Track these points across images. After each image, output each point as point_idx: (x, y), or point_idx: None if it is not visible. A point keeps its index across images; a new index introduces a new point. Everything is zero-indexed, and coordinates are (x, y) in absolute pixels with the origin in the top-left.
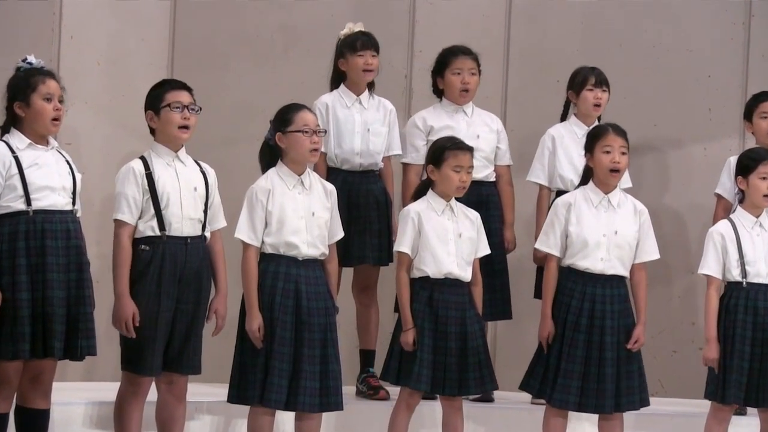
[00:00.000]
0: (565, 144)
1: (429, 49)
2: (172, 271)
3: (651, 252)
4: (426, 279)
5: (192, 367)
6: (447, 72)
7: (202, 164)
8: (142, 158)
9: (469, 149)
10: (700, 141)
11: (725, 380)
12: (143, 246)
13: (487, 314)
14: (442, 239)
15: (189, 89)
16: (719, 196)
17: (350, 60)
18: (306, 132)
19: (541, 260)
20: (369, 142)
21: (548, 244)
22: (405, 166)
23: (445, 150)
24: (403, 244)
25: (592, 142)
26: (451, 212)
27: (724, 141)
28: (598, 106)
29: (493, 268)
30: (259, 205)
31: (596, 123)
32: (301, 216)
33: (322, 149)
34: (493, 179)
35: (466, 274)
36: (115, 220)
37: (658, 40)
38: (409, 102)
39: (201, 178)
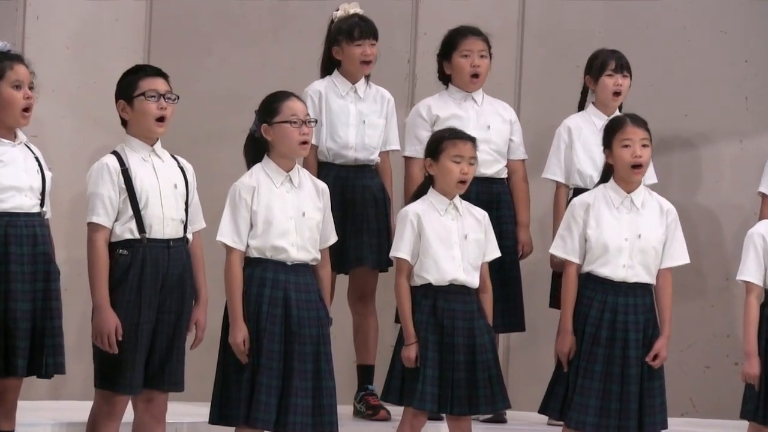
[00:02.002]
0: (584, 136)
1: (434, 31)
2: (153, 278)
3: (679, 256)
4: (428, 286)
5: (174, 383)
6: (455, 55)
7: (180, 159)
8: (116, 153)
9: (471, 139)
10: (736, 133)
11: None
12: (121, 250)
13: (498, 326)
14: (446, 242)
15: (165, 76)
16: (764, 196)
17: (346, 49)
18: (294, 122)
19: (558, 266)
20: (364, 135)
21: (565, 249)
22: (407, 160)
23: (443, 140)
24: (401, 249)
25: (609, 136)
26: (455, 211)
27: (762, 133)
28: (618, 94)
29: (505, 274)
30: (242, 205)
31: (617, 113)
32: (290, 216)
33: (313, 142)
34: (505, 175)
35: (473, 280)
36: (89, 224)
37: (688, 20)
38: (412, 89)
39: (180, 175)
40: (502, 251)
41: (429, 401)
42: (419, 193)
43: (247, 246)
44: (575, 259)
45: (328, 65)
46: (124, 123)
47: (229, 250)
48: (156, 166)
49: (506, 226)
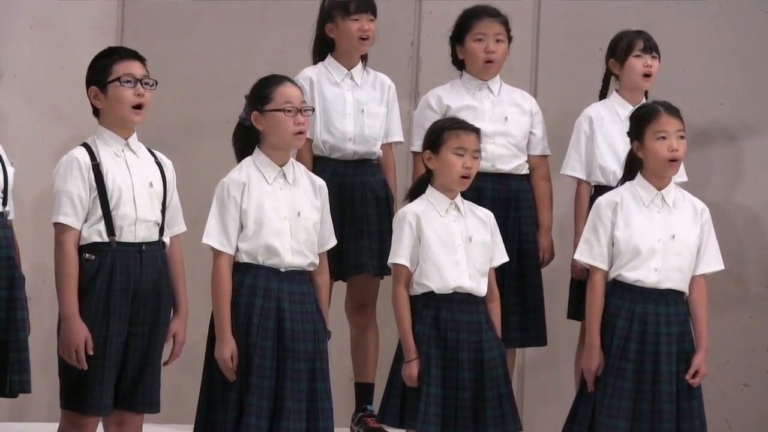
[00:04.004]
0: (606, 127)
1: (441, 10)
2: (124, 286)
3: (713, 261)
4: (430, 295)
5: (149, 403)
6: (467, 38)
7: (157, 154)
8: (86, 146)
9: (475, 130)
10: None
11: None
12: (88, 255)
13: (516, 339)
14: (448, 246)
15: (142, 59)
16: None
17: (341, 25)
18: (289, 111)
19: (581, 272)
20: (364, 125)
21: (592, 255)
22: (415, 155)
23: (444, 130)
24: (398, 254)
25: (639, 126)
26: (457, 212)
27: None
28: (648, 76)
29: (525, 281)
30: (231, 203)
31: (643, 101)
32: (283, 216)
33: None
34: (525, 172)
35: (480, 287)
36: (57, 224)
37: None
38: (416, 75)
39: (156, 172)
40: (522, 255)
41: (432, 423)
42: (416, 191)
43: (237, 250)
44: (603, 266)
45: (322, 47)
46: (96, 112)
47: (216, 254)
48: (129, 162)
49: (526, 227)
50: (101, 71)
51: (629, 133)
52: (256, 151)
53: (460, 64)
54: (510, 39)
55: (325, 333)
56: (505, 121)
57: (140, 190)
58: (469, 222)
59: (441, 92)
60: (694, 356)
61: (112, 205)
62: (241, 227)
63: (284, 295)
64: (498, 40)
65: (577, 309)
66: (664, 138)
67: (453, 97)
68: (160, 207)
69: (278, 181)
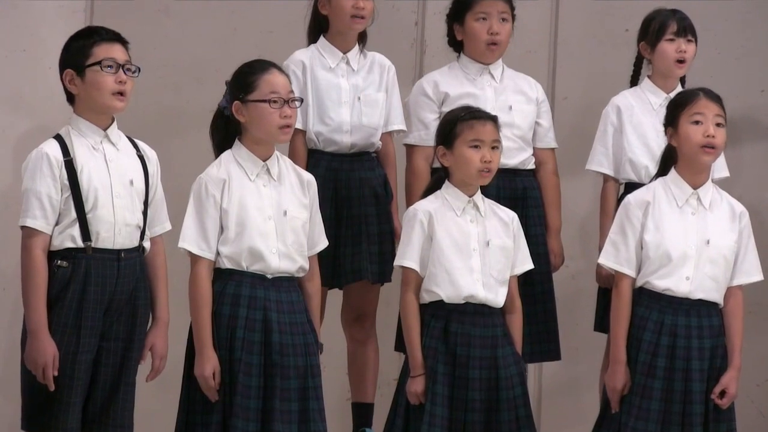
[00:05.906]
0: (636, 118)
1: None
2: (97, 297)
3: (751, 271)
4: (439, 304)
5: (120, 426)
6: (468, 17)
7: (140, 144)
8: (59, 139)
9: (491, 118)
10: None
11: None
12: (60, 261)
13: (526, 353)
14: (463, 250)
15: (124, 42)
16: None
17: (335, 2)
18: (274, 102)
19: (606, 280)
20: (361, 114)
21: (618, 259)
22: (409, 148)
23: (458, 122)
24: (407, 256)
25: (675, 111)
26: (476, 212)
27: None
28: (681, 62)
29: (534, 289)
30: (210, 202)
31: (679, 89)
32: (268, 216)
33: (299, 126)
34: (531, 167)
35: (496, 297)
36: (24, 228)
37: None
38: (420, 59)
39: (138, 166)
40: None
41: None
42: (432, 187)
43: (217, 254)
44: (630, 272)
45: (317, 29)
46: (71, 99)
47: (194, 259)
48: (108, 156)
49: (535, 228)
50: (79, 53)
51: (665, 122)
52: (237, 144)
53: (458, 46)
54: (514, 18)
55: (316, 346)
56: (509, 111)
57: (120, 191)
58: (488, 224)
59: (438, 77)
60: (723, 374)
61: (87, 207)
62: (222, 229)
63: (271, 305)
64: (503, 20)
65: (604, 320)
66: (699, 122)
67: (451, 82)
68: (141, 207)
69: (261, 177)
